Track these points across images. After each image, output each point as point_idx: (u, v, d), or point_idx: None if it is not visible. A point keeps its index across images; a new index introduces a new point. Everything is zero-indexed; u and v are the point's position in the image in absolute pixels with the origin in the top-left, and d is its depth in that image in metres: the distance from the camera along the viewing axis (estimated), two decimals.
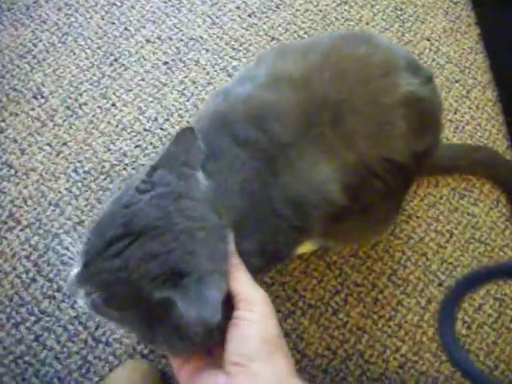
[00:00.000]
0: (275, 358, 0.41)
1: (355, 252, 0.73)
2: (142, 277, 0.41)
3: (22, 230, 0.72)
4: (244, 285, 0.44)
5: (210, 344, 0.44)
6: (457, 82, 0.88)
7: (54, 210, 0.73)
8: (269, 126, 0.50)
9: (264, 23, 0.90)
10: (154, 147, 0.78)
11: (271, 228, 0.49)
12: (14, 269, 0.70)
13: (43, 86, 0.82)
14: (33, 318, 0.67)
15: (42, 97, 0.81)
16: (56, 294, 0.69)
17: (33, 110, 0.80)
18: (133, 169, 0.76)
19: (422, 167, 0.57)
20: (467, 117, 0.85)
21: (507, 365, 0.70)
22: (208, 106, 0.56)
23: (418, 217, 0.77)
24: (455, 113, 0.86)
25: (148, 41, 0.86)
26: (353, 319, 0.70)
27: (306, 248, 0.70)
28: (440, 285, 0.73)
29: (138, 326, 0.44)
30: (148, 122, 0.80)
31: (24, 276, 0.69)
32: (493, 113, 0.87)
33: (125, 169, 0.76)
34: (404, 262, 0.74)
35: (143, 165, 0.76)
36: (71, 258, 0.70)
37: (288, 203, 0.49)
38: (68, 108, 0.80)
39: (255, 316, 0.42)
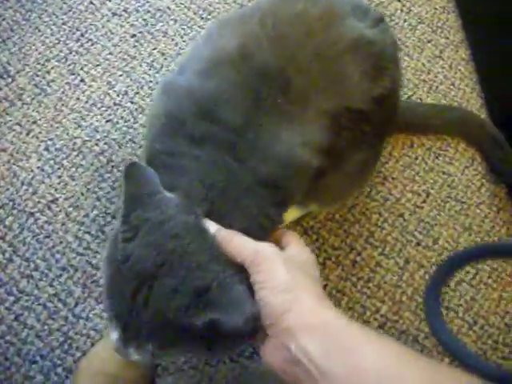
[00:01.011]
0: (297, 303, 0.42)
1: (332, 216, 0.73)
2: (176, 314, 0.42)
3: None
4: (242, 246, 0.45)
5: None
6: (429, 42, 0.88)
7: (26, 190, 0.73)
8: (219, 116, 0.50)
9: None
10: (125, 121, 0.77)
11: (251, 213, 0.49)
12: None
13: (9, 64, 0.80)
14: (12, 298, 0.67)
15: (9, 76, 0.80)
16: (33, 273, 0.68)
17: (0, 89, 0.79)
18: (105, 144, 0.75)
19: (387, 112, 0.57)
20: (440, 77, 0.85)
21: (486, 320, 0.71)
22: (157, 105, 0.56)
23: (393, 178, 0.77)
24: (428, 73, 0.85)
25: (114, 14, 0.85)
26: (332, 282, 0.70)
27: (290, 217, 0.70)
28: (418, 244, 0.74)
29: (199, 353, 0.47)
30: (118, 96, 0.79)
31: (0, 257, 0.69)
32: (466, 72, 0.86)
33: (96, 144, 0.75)
34: (381, 223, 0.74)
35: (115, 139, 0.76)
36: (48, 237, 0.70)
37: (262, 184, 0.49)
38: (36, 86, 0.79)
39: (263, 276, 0.43)
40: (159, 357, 0.46)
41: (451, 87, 0.85)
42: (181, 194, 0.47)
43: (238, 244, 0.45)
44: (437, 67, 0.86)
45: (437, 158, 0.79)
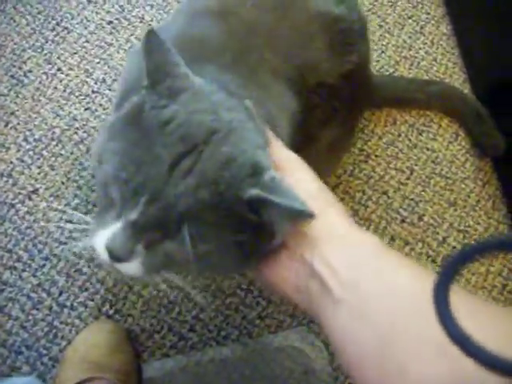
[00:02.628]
0: (326, 212, 0.38)
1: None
2: (226, 186, 0.36)
3: None
4: (280, 152, 0.42)
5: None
6: (410, 18, 0.87)
7: (7, 181, 0.72)
8: (210, 47, 0.48)
9: None
10: (104, 109, 0.76)
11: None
12: None
13: None
14: None
15: None
16: (16, 264, 0.68)
17: None
18: (84, 132, 0.75)
19: (357, 87, 0.57)
20: (422, 52, 0.84)
21: (473, 294, 0.71)
22: (133, 63, 0.52)
23: (376, 156, 0.76)
24: (410, 49, 0.84)
25: (90, 1, 0.83)
26: None
27: None
28: (403, 221, 0.73)
29: (232, 252, 0.38)
30: (96, 83, 0.78)
31: None
32: (448, 47, 0.85)
33: (76, 133, 0.75)
34: (365, 201, 0.74)
35: (94, 127, 0.75)
36: (29, 227, 0.69)
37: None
38: (12, 77, 0.78)
39: (291, 178, 0.38)
40: (167, 263, 0.37)
41: (433, 63, 0.84)
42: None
43: (275, 145, 0.42)
44: (418, 43, 0.85)
45: (420, 134, 0.79)
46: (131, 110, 0.39)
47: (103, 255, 0.36)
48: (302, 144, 0.52)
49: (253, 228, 0.37)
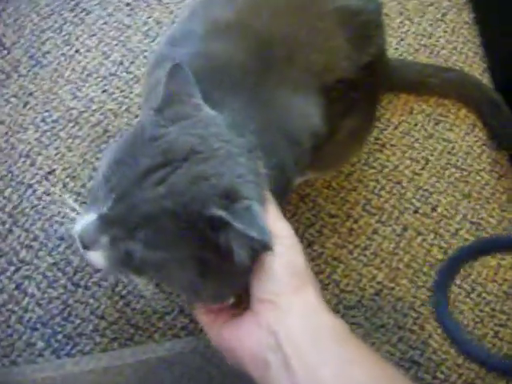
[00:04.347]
0: (304, 291, 0.39)
1: (328, 184, 0.73)
2: (191, 200, 0.38)
3: None
4: (274, 218, 0.42)
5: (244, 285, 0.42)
6: (431, 5, 0.85)
7: (24, 161, 0.73)
8: (232, 72, 0.49)
9: None
10: (121, 91, 0.77)
11: (278, 160, 0.48)
12: None
13: (4, 36, 0.80)
14: (12, 268, 0.68)
15: (4, 48, 0.80)
16: (33, 243, 0.69)
17: None
18: (101, 114, 0.75)
19: (376, 77, 0.58)
20: (442, 41, 0.83)
21: (484, 287, 0.71)
22: (156, 77, 0.53)
23: (392, 145, 0.76)
24: (430, 37, 0.83)
25: None
26: (328, 250, 0.70)
27: None
28: (416, 212, 0.73)
29: (188, 268, 0.40)
30: (113, 66, 0.79)
31: (0, 227, 0.70)
32: (469, 35, 0.84)
33: (92, 115, 0.75)
34: (378, 191, 0.74)
35: (110, 109, 0.76)
36: (46, 207, 0.70)
37: (283, 137, 0.49)
38: (31, 58, 0.79)
39: (282, 248, 0.40)
40: (128, 261, 0.39)
41: (453, 51, 0.83)
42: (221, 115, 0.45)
43: (271, 213, 0.42)
44: (439, 31, 0.84)
45: (437, 124, 0.78)
46: (137, 128, 0.43)
47: (77, 241, 0.41)
48: (329, 137, 0.53)
49: (215, 248, 0.39)
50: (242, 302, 0.44)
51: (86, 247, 0.40)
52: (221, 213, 0.38)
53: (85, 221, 0.40)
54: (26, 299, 0.67)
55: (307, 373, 0.35)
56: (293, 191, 0.70)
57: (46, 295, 0.67)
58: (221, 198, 0.39)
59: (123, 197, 0.38)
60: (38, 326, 0.66)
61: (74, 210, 0.46)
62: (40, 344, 0.65)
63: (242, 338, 0.40)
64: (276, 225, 0.41)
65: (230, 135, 0.43)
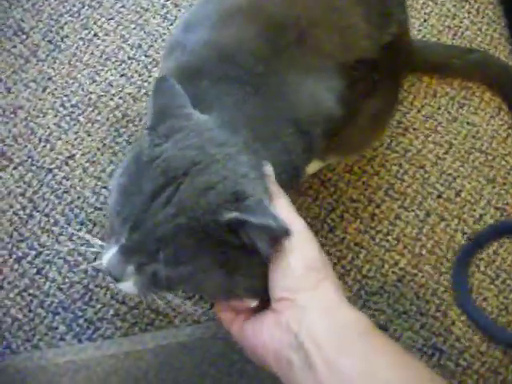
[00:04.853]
0: (322, 286, 0.39)
1: (350, 168, 0.72)
2: (203, 212, 0.39)
3: (15, 168, 0.72)
4: (285, 211, 0.41)
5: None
6: None
7: (44, 146, 0.73)
8: (241, 61, 0.48)
9: None
10: (140, 75, 0.76)
11: (281, 150, 0.48)
12: (11, 206, 0.70)
13: (23, 21, 0.80)
14: (33, 253, 0.68)
15: (23, 33, 0.79)
16: (53, 228, 0.69)
17: (14, 47, 0.78)
18: (120, 98, 0.75)
19: (398, 57, 0.56)
20: (466, 22, 0.81)
21: (508, 274, 0.69)
22: (167, 65, 0.54)
23: (415, 129, 0.75)
24: (453, 18, 0.81)
25: None
26: (350, 235, 0.69)
27: (311, 170, 0.69)
28: (439, 197, 0.72)
29: (215, 272, 0.41)
30: (132, 49, 0.78)
31: (21, 212, 0.70)
32: (494, 16, 0.82)
33: (111, 99, 0.75)
34: (401, 175, 0.72)
35: (129, 93, 0.75)
36: (66, 192, 0.70)
37: (291, 126, 0.48)
38: (50, 42, 0.79)
39: (296, 243, 0.39)
40: (159, 282, 0.41)
41: (478, 33, 0.81)
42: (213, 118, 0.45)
43: (285, 205, 0.42)
44: (463, 12, 0.82)
45: (461, 107, 0.76)
46: (137, 151, 0.44)
47: (107, 274, 0.43)
48: (346, 118, 0.52)
49: (238, 247, 0.40)
50: (263, 301, 0.43)
51: (116, 280, 0.42)
52: (235, 215, 0.39)
53: (108, 255, 0.41)
54: (48, 284, 0.67)
55: (330, 370, 0.35)
56: (303, 178, 0.70)
57: (67, 280, 0.67)
58: (230, 201, 0.39)
59: (137, 225, 0.40)
60: (60, 310, 0.66)
61: (98, 246, 0.48)
62: (62, 328, 0.65)
63: (263, 337, 0.39)
64: (289, 219, 0.40)
65: (224, 135, 0.43)
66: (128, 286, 0.42)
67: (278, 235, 0.39)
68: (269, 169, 0.44)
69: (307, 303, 0.37)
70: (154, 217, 0.39)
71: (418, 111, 0.76)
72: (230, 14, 0.51)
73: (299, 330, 0.36)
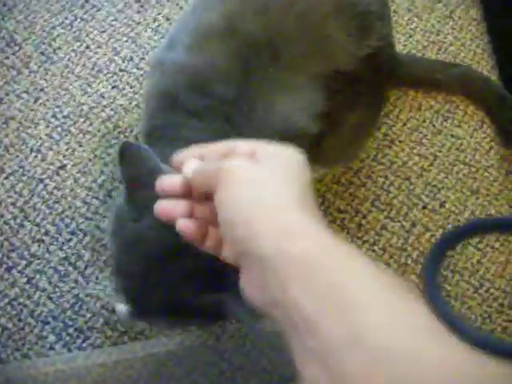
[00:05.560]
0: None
1: (337, 179, 0.73)
2: (191, 297, 0.43)
3: (6, 177, 0.73)
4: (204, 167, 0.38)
5: None
6: (439, 2, 0.85)
7: (35, 157, 0.74)
8: (212, 89, 0.50)
9: None
10: (131, 87, 0.77)
11: None
12: (2, 216, 0.71)
13: (16, 33, 0.81)
14: (24, 262, 0.69)
15: (16, 44, 0.80)
16: (44, 237, 0.70)
17: (7, 58, 0.79)
18: (111, 110, 0.76)
19: (379, 70, 0.57)
20: (450, 38, 0.83)
21: (492, 283, 0.71)
22: (150, 83, 0.57)
23: (400, 141, 0.76)
24: (438, 34, 0.83)
25: None
26: None
27: None
28: (424, 207, 0.73)
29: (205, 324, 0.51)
30: (123, 62, 0.79)
31: (12, 222, 0.71)
32: (477, 32, 0.84)
33: (103, 111, 0.76)
34: (387, 186, 0.74)
35: (121, 105, 0.76)
36: (57, 202, 0.71)
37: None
38: (42, 54, 0.79)
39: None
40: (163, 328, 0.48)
41: (461, 48, 0.83)
42: None
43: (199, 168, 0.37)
44: (447, 28, 0.84)
45: (445, 120, 0.78)
46: (117, 217, 0.48)
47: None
48: (327, 130, 0.53)
49: None
50: None
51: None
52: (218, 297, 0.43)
53: (120, 310, 0.47)
54: (38, 293, 0.68)
55: (313, 335, 0.28)
56: None
57: (57, 289, 0.68)
58: (214, 279, 0.43)
59: (137, 301, 0.46)
60: (50, 319, 0.67)
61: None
62: (51, 337, 0.66)
63: (249, 292, 0.34)
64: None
65: None
66: (141, 327, 0.52)
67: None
68: None
69: (265, 249, 0.31)
70: (150, 296, 0.44)
71: (404, 124, 0.77)
72: (206, 34, 0.53)
73: (272, 288, 0.30)
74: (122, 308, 0.47)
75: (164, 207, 0.38)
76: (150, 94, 0.56)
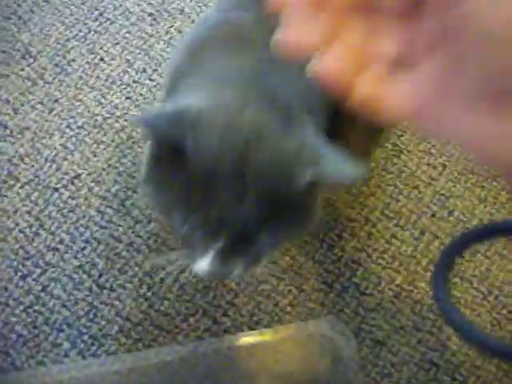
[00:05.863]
0: None
1: (347, 189, 0.74)
2: (284, 185, 0.42)
3: (21, 187, 0.74)
4: None
5: None
6: None
7: (50, 166, 0.75)
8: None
9: None
10: (144, 98, 0.79)
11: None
12: (17, 224, 0.72)
13: (31, 45, 0.83)
14: (39, 270, 0.70)
15: (31, 56, 0.82)
16: (59, 245, 0.71)
17: (22, 70, 0.81)
18: (124, 120, 0.77)
19: None
20: None
21: (500, 290, 0.71)
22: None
23: (409, 151, 0.78)
24: None
25: None
26: (347, 253, 0.72)
27: None
28: (433, 216, 0.74)
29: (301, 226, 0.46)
30: (137, 73, 0.81)
31: (27, 230, 0.72)
32: None
33: (117, 121, 0.78)
34: (396, 195, 0.75)
35: (134, 115, 0.78)
36: (71, 211, 0.72)
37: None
38: (57, 65, 0.81)
39: None
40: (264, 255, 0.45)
41: None
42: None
43: None
44: None
45: None
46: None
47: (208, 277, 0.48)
48: (344, 123, 0.53)
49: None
50: None
51: (223, 279, 0.50)
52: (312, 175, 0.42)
53: (205, 262, 0.44)
54: (52, 301, 0.68)
55: None
56: None
57: (71, 297, 0.69)
58: (297, 160, 0.42)
59: (224, 225, 0.42)
60: (64, 327, 0.67)
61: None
62: (66, 345, 0.66)
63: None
64: None
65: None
66: (235, 276, 0.45)
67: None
68: None
69: None
70: (238, 210, 0.41)
71: (413, 134, 0.79)
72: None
73: None
74: (209, 256, 0.43)
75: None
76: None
